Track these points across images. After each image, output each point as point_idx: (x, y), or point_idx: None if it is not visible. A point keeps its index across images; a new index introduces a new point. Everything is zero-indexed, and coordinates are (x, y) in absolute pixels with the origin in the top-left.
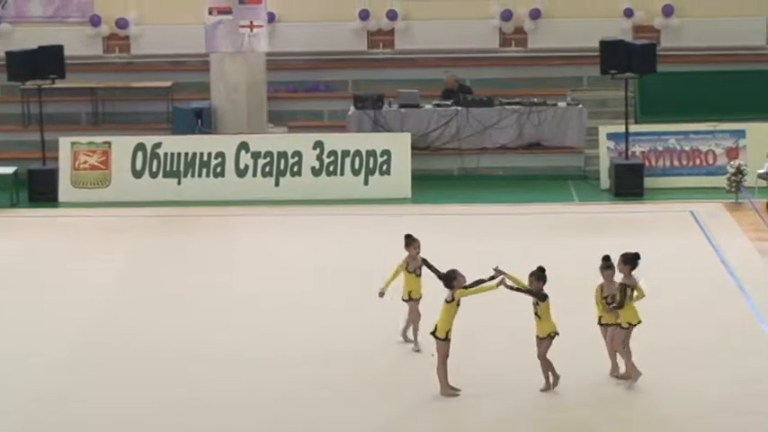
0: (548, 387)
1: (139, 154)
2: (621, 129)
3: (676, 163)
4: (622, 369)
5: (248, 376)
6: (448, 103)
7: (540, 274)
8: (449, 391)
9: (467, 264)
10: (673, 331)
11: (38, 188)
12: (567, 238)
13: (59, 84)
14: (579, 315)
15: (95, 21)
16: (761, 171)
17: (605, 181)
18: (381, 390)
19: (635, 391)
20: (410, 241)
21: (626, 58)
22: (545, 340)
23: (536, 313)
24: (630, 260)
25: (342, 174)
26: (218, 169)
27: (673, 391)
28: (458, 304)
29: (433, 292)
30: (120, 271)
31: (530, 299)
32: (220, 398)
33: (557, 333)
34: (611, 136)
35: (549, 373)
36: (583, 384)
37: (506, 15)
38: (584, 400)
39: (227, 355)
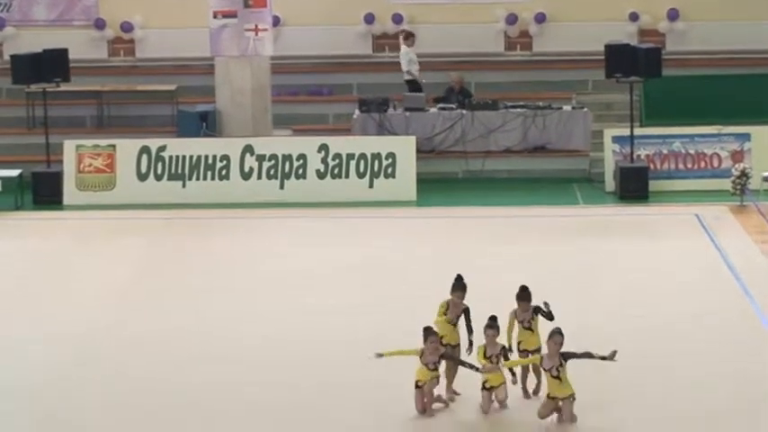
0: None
1: (144, 157)
2: (626, 132)
3: (681, 166)
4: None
5: (254, 378)
6: (453, 105)
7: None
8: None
9: (471, 267)
10: (677, 334)
11: (42, 191)
12: (571, 241)
13: (64, 87)
14: (582, 317)
15: (100, 24)
16: (766, 174)
17: (610, 184)
18: (376, 397)
19: (641, 395)
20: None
21: (631, 61)
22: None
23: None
24: (522, 296)
25: (347, 177)
26: (223, 172)
27: (678, 392)
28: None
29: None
30: (125, 274)
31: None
32: (226, 400)
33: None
34: (616, 139)
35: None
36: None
37: (511, 19)
38: (592, 416)
39: (233, 358)
